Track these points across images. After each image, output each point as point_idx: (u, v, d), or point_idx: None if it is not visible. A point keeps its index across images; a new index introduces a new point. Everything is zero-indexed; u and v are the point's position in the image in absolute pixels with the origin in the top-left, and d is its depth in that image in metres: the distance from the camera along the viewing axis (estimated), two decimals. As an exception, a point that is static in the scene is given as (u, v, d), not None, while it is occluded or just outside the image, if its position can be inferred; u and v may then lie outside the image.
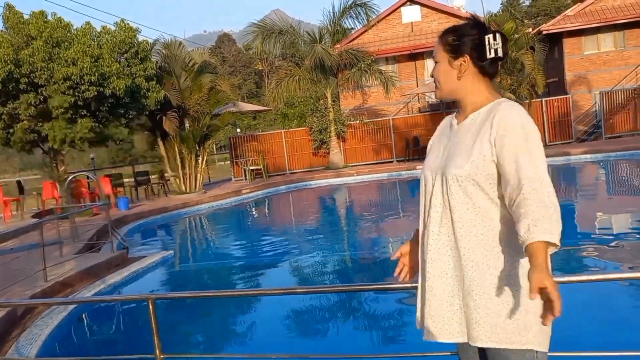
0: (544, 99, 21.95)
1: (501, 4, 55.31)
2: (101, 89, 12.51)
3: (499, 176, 1.76)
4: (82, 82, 12.13)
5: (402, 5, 26.48)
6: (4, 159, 42.99)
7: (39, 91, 12.39)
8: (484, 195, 1.79)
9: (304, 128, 23.76)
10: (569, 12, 25.27)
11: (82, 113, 12.84)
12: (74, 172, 14.56)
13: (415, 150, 21.68)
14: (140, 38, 14.58)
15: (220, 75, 23.33)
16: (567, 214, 10.94)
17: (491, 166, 1.76)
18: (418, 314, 1.96)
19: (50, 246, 7.77)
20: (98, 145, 14.75)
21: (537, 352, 1.77)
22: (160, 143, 17.54)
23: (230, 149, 23.53)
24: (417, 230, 2.01)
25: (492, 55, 1.84)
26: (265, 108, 30.26)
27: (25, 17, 12.97)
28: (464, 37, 1.87)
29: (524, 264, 1.75)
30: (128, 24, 14.17)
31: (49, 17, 12.98)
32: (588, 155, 18.04)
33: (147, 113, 15.70)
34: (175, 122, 16.50)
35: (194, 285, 7.93)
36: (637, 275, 3.30)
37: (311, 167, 23.04)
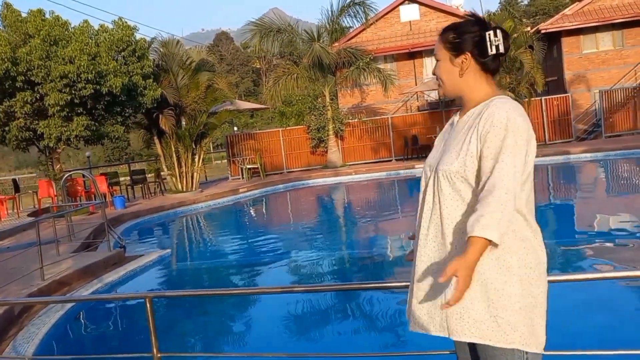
0: (543, 98, 21.96)
1: (500, 3, 55.34)
2: (98, 86, 12.49)
3: None
4: (79, 80, 12.10)
5: (401, 4, 26.46)
6: (-1, 157, 42.92)
7: (36, 89, 12.36)
8: (473, 191, 1.79)
9: (302, 126, 23.73)
10: (567, 11, 25.28)
11: (78, 111, 12.82)
12: (70, 171, 14.54)
13: (414, 149, 21.68)
14: (138, 36, 14.59)
15: (218, 74, 23.24)
16: (567, 212, 10.95)
17: (478, 163, 1.77)
18: (407, 305, 1.99)
19: (46, 245, 7.73)
20: (94, 143, 14.72)
21: (527, 353, 1.75)
22: (157, 141, 17.50)
23: (227, 148, 23.49)
24: None
25: (494, 51, 1.83)
26: (263, 106, 30.24)
27: (23, 15, 12.95)
28: (465, 35, 1.86)
29: (512, 263, 1.75)
30: (126, 22, 14.16)
31: (47, 16, 12.97)
32: (588, 154, 18.05)
33: (143, 111, 15.69)
34: (171, 120, 16.47)
35: (192, 284, 7.91)
36: (636, 273, 3.28)
37: (309, 166, 23.01)
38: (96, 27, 14.03)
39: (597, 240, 7.85)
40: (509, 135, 1.71)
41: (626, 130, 21.52)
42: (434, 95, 24.91)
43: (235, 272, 8.42)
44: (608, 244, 7.57)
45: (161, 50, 17.54)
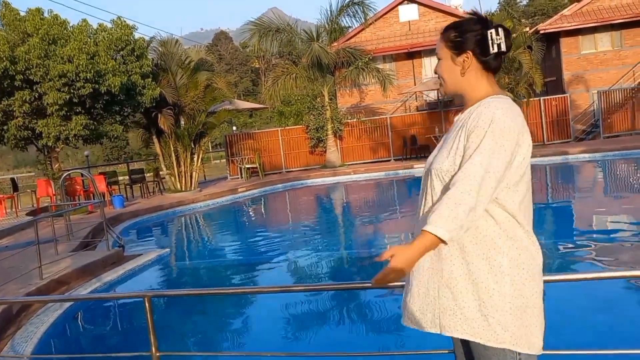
0: (542, 98, 21.97)
1: (499, 3, 55.35)
2: (96, 86, 12.47)
3: None
4: (78, 79, 12.08)
5: (400, 4, 26.46)
6: (-3, 156, 42.85)
7: (34, 88, 12.34)
8: None
9: (301, 126, 23.72)
10: (566, 11, 25.32)
11: (77, 110, 12.81)
12: (68, 170, 14.51)
13: (413, 149, 21.68)
14: (137, 35, 14.57)
15: (217, 73, 23.26)
16: (565, 213, 10.96)
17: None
18: (402, 301, 2.00)
19: (45, 244, 7.73)
20: (93, 142, 14.71)
21: (519, 354, 1.75)
22: (156, 141, 17.48)
23: (226, 147, 23.48)
24: None
25: (496, 50, 1.83)
26: (262, 106, 30.23)
27: (22, 14, 12.93)
28: (467, 33, 1.86)
29: (503, 264, 1.75)
30: (125, 21, 14.14)
31: (46, 15, 12.95)
32: (586, 155, 18.06)
33: (142, 110, 15.68)
34: (170, 119, 16.45)
35: (190, 284, 7.91)
36: (634, 273, 3.29)
37: (308, 166, 23.00)
38: (95, 26, 14.02)
39: (595, 241, 7.86)
40: (488, 135, 1.70)
41: (624, 131, 21.55)
42: (432, 95, 24.92)
43: (234, 272, 8.41)
44: (606, 244, 7.57)
45: (160, 49, 17.52)
